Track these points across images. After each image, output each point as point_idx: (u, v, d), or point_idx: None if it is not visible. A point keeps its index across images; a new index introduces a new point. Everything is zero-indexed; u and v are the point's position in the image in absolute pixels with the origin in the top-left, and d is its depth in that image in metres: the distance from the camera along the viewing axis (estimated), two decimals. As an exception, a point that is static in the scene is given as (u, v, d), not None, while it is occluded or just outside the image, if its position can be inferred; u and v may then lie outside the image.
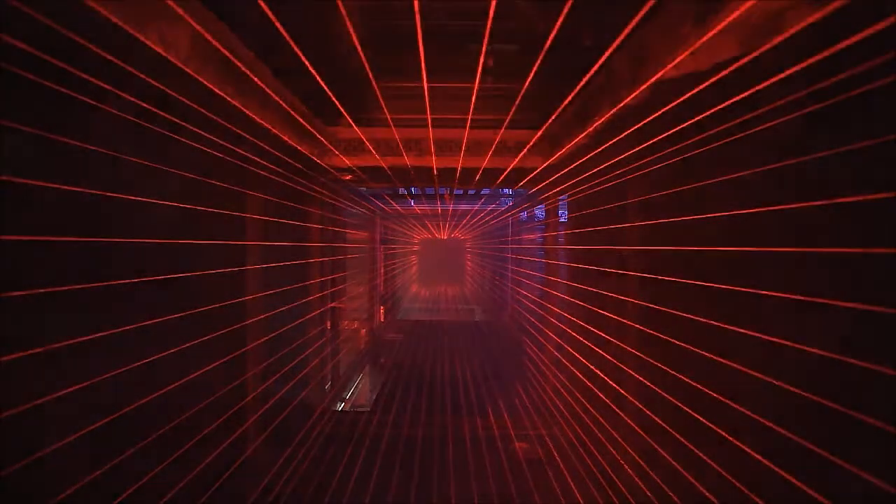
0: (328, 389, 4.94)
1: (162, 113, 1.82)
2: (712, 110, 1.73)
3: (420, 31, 1.79)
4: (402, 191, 6.43)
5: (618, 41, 1.82)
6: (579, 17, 1.72)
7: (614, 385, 2.80)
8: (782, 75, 1.39)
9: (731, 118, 1.67)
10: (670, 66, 1.79)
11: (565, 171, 3.63)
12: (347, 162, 3.98)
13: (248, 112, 2.43)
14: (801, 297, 1.38)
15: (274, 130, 2.81)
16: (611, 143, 2.64)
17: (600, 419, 3.03)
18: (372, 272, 8.18)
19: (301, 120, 2.91)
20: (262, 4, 1.62)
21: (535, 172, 4.06)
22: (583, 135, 2.86)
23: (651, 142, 2.25)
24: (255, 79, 2.32)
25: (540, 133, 3.05)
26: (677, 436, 2.03)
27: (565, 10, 1.62)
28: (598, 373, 3.07)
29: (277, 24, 1.76)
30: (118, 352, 1.64)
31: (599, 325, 3.09)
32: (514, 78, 2.32)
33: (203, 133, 2.13)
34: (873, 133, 1.17)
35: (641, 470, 2.43)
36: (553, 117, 2.71)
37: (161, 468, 1.85)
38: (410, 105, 2.87)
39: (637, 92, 2.09)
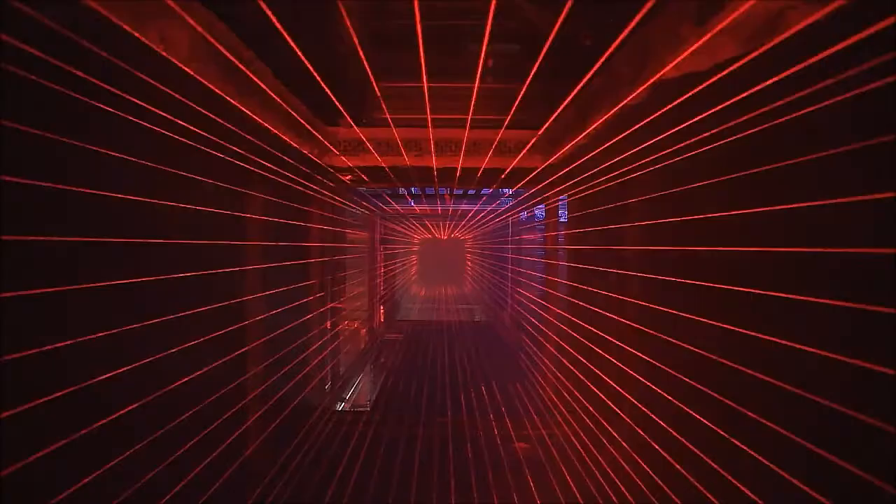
0: (328, 389, 4.94)
1: (161, 112, 1.82)
2: (712, 110, 1.74)
3: (420, 31, 1.79)
4: (402, 191, 6.43)
5: (618, 41, 1.82)
6: (579, 17, 1.72)
7: (614, 385, 2.80)
8: (782, 75, 1.39)
9: (732, 118, 1.67)
10: (670, 65, 1.80)
11: (565, 171, 3.63)
12: (347, 162, 3.98)
13: (248, 112, 2.43)
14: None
15: (274, 130, 2.81)
16: (610, 143, 2.64)
17: (600, 419, 3.03)
18: (372, 272, 8.19)
19: (301, 120, 2.91)
20: (262, 4, 1.62)
21: (535, 172, 4.06)
22: (583, 135, 2.86)
23: (651, 142, 2.26)
24: (256, 79, 2.32)
25: (540, 133, 3.05)
26: (677, 435, 2.03)
27: (565, 11, 1.62)
28: (598, 372, 3.08)
29: (278, 25, 1.76)
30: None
31: (599, 325, 3.10)
32: (514, 78, 2.32)
33: (202, 133, 2.13)
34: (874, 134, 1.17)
35: (641, 469, 2.43)
36: (553, 117, 2.71)
37: (160, 467, 1.86)
38: (410, 105, 2.87)
39: (637, 92, 2.10)
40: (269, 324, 3.11)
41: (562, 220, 4.68)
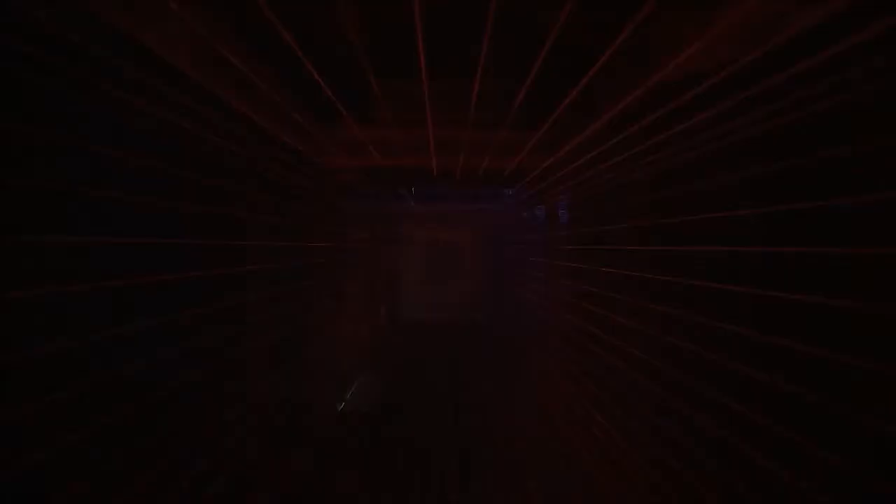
0: (328, 389, 4.94)
1: (160, 112, 1.82)
2: (712, 110, 1.73)
3: (420, 31, 1.79)
4: (402, 191, 6.44)
5: (618, 41, 1.82)
6: (579, 17, 1.72)
7: (614, 384, 2.80)
8: (782, 75, 1.39)
9: (732, 118, 1.67)
10: (670, 66, 1.79)
11: (565, 171, 3.63)
12: (347, 162, 3.98)
13: (248, 113, 2.43)
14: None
15: (274, 131, 2.81)
16: (611, 143, 2.64)
17: (601, 419, 3.03)
18: (373, 273, 8.18)
19: (301, 120, 2.91)
20: (262, 4, 1.62)
21: (536, 172, 4.07)
22: (583, 135, 2.86)
23: (651, 142, 2.25)
24: (256, 79, 2.32)
25: (540, 133, 3.05)
26: (675, 434, 2.03)
27: (566, 10, 1.62)
28: (599, 372, 3.07)
29: (278, 25, 1.76)
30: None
31: (599, 324, 3.09)
32: (515, 77, 2.32)
33: (201, 134, 2.13)
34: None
35: (641, 469, 2.43)
36: (553, 117, 2.71)
37: (160, 467, 1.86)
38: (410, 105, 2.87)
39: (637, 92, 2.09)
40: (271, 323, 3.12)
41: (562, 220, 4.68)
